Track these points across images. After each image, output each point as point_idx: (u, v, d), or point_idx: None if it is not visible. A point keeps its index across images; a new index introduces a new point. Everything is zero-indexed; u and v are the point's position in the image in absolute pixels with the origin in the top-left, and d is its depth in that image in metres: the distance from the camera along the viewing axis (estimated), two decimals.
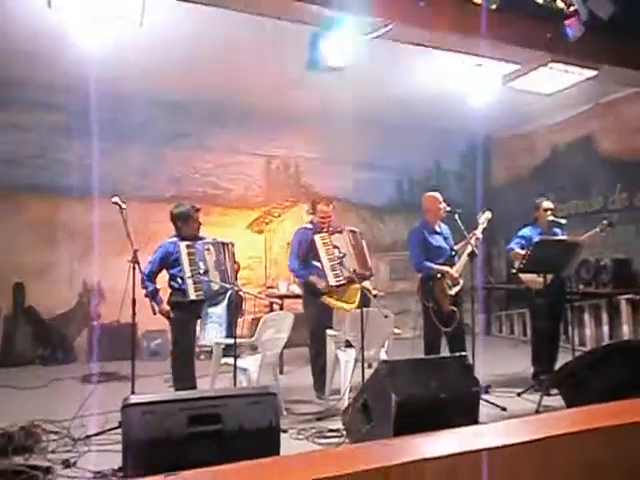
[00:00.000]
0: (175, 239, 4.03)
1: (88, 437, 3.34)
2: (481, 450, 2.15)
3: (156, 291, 3.94)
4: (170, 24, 4.64)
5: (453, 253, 4.62)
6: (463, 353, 3.21)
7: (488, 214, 4.66)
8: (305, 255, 4.52)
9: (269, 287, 6.38)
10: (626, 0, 3.05)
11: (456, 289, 4.46)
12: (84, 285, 6.20)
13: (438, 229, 4.67)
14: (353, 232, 4.54)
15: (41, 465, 2.77)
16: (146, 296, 3.80)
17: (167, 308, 3.91)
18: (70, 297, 6.20)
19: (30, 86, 5.88)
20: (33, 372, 5.52)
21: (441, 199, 4.65)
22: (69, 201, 6.06)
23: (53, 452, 3.10)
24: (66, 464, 2.90)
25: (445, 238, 4.68)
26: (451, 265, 4.52)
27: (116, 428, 3.27)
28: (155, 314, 3.69)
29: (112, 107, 5.99)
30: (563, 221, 4.84)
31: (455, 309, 4.42)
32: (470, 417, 2.80)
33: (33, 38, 4.78)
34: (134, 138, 6.37)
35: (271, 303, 5.44)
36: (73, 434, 3.37)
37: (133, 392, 3.46)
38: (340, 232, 4.46)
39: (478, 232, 4.54)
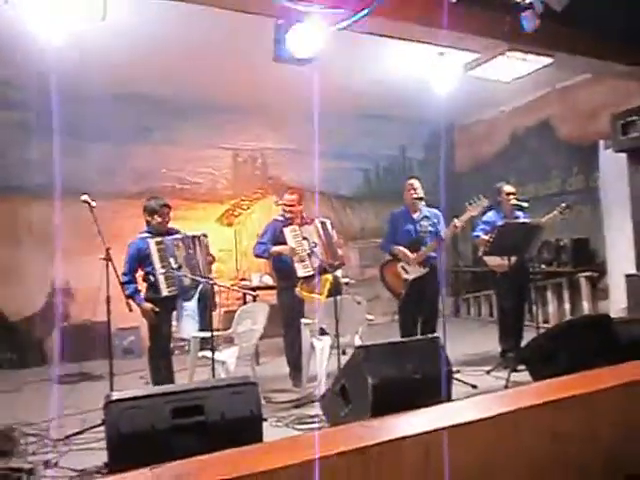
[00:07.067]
0: (145, 234, 4.01)
1: (68, 437, 3.32)
2: (454, 425, 2.28)
3: (137, 291, 3.89)
4: (133, 18, 4.56)
5: (418, 238, 4.66)
6: (435, 335, 3.33)
7: (484, 201, 4.50)
8: (274, 244, 4.55)
9: (241, 279, 6.40)
10: None
11: (414, 275, 4.55)
12: (52, 285, 6.10)
13: (416, 215, 4.72)
14: (323, 223, 4.58)
15: (23, 467, 2.76)
16: (128, 297, 3.76)
17: (150, 306, 3.85)
18: (38, 298, 6.07)
19: None
20: (2, 377, 5.41)
21: (416, 185, 4.72)
22: (34, 200, 5.92)
23: (34, 454, 3.08)
24: (48, 465, 2.89)
25: (421, 223, 4.68)
26: (415, 250, 4.61)
27: (96, 426, 3.28)
28: (131, 311, 3.67)
29: (74, 103, 5.85)
30: (525, 204, 4.87)
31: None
32: (443, 395, 2.93)
33: None
34: (98, 134, 6.24)
35: (244, 295, 5.46)
36: (52, 435, 3.36)
37: (112, 390, 3.45)
38: (309, 223, 4.52)
39: (459, 221, 4.47)
